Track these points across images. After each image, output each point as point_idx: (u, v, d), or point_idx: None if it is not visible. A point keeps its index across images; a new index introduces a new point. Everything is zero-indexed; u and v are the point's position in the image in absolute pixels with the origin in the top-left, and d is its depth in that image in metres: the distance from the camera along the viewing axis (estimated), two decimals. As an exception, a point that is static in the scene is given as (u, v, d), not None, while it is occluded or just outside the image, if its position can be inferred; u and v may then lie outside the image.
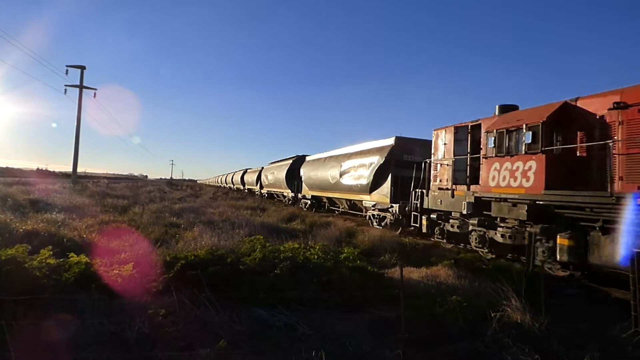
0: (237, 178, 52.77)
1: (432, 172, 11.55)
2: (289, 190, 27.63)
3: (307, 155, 25.82)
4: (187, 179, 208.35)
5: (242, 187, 50.02)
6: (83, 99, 33.08)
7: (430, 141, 12.43)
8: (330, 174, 19.03)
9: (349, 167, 16.95)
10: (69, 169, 36.10)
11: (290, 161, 28.06)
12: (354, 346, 3.93)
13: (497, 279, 5.38)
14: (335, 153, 19.89)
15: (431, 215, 11.04)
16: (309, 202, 23.82)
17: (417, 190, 11.73)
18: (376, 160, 14.45)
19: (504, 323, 4.17)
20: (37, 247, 5.44)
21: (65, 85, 32.64)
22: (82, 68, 33.00)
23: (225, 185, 66.11)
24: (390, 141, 14.29)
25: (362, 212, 17.12)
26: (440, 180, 11.13)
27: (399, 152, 13.92)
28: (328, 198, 21.12)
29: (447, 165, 10.80)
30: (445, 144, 11.04)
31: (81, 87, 32.94)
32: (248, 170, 48.28)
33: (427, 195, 11.27)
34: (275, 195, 33.88)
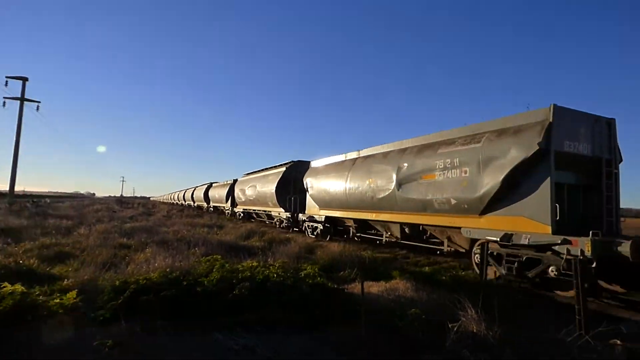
0: (199, 194, 45.88)
1: None
2: (281, 209, 19.98)
3: (310, 161, 17.71)
4: (139, 196, 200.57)
5: (205, 205, 43.13)
6: (24, 111, 30.89)
7: (607, 120, 7.92)
8: (369, 184, 11.79)
9: (420, 169, 9.74)
10: (6, 187, 33.38)
11: (283, 169, 20.37)
12: (316, 366, 3.86)
13: (454, 290, 5.53)
14: (381, 150, 12.34)
15: None
16: (320, 226, 15.72)
17: None
18: (509, 152, 7.61)
19: (461, 333, 4.26)
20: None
21: (5, 98, 30.46)
22: (24, 80, 30.96)
23: (184, 202, 61.20)
24: (542, 114, 7.45)
25: (443, 245, 10.00)
26: None
27: (561, 135, 7.32)
28: (359, 221, 13.30)
29: None
30: None
31: (22, 99, 30.79)
32: (214, 185, 40.66)
33: None
34: (256, 215, 26.15)
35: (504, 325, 4.49)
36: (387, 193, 10.94)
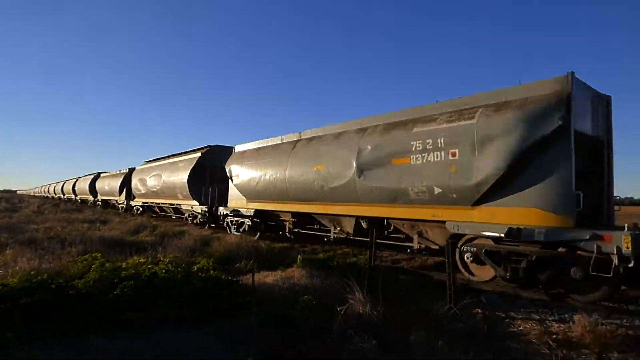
0: (83, 186, 39.39)
1: None
2: (195, 202, 17.04)
3: (233, 146, 14.74)
4: (1, 189, 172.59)
5: (91, 198, 36.91)
6: None
7: (606, 97, 7.09)
8: (317, 171, 9.80)
9: (390, 152, 8.06)
10: None
11: (198, 154, 17.42)
12: (205, 362, 3.74)
13: (345, 275, 5.83)
14: (331, 131, 10.26)
15: None
16: (248, 221, 13.34)
17: None
18: (516, 130, 6.26)
19: (348, 316, 4.52)
20: None
21: None
22: None
23: (62, 196, 53.05)
24: (557, 84, 6.21)
25: (411, 241, 8.56)
26: None
27: (577, 110, 6.15)
28: (301, 214, 11.19)
29: None
30: None
31: None
32: (103, 175, 34.89)
33: None
34: (160, 210, 22.63)
35: (389, 304, 4.90)
36: (343, 181, 8.96)
